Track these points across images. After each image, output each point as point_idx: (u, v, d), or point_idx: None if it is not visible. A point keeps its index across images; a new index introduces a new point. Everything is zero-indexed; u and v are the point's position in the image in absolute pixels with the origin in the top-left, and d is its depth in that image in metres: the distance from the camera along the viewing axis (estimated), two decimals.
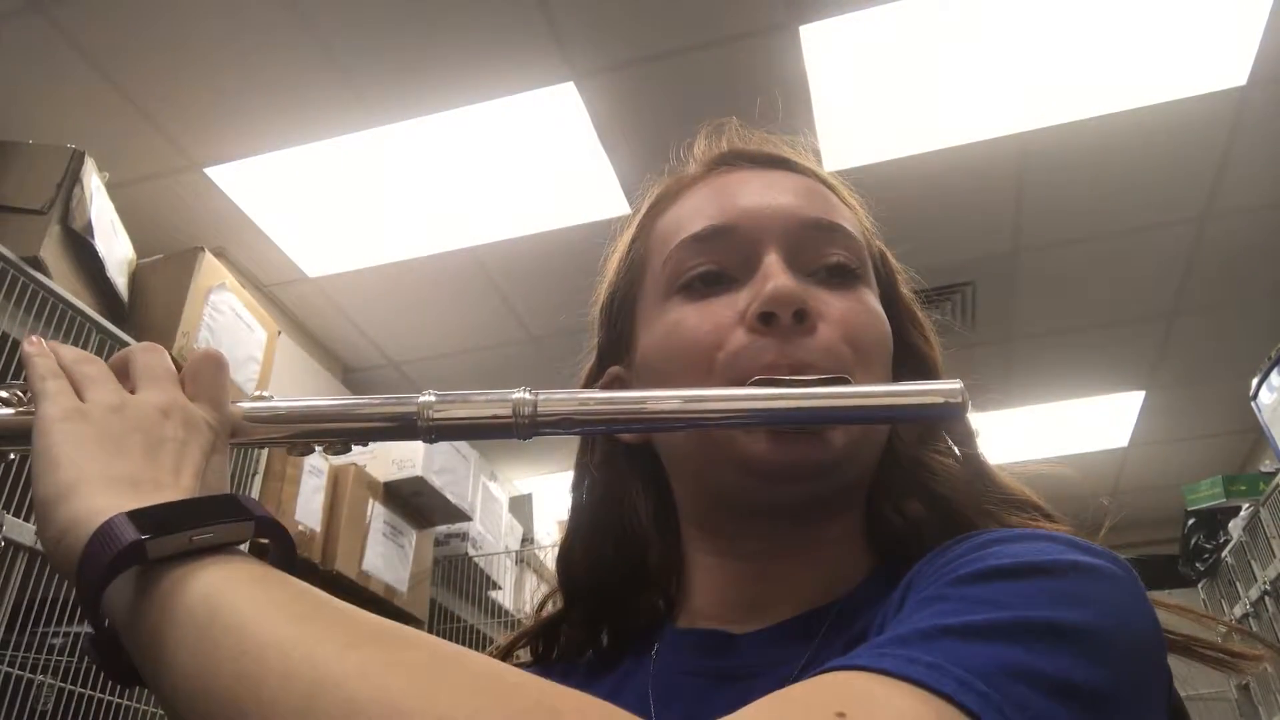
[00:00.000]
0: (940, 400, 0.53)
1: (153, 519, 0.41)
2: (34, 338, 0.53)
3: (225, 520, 0.43)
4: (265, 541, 0.45)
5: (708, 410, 0.53)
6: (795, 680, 0.52)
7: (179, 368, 0.54)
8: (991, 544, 0.47)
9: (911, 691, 0.35)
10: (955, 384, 0.53)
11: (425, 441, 0.53)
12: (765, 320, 0.56)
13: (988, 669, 0.36)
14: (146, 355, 0.53)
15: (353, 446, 0.55)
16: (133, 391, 0.51)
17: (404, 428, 0.52)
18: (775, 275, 0.57)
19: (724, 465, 0.57)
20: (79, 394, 0.50)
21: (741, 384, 0.55)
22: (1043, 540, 0.47)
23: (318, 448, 0.55)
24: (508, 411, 0.52)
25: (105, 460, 0.46)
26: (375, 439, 0.54)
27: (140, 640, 0.41)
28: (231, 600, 0.39)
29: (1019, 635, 0.38)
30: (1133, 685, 0.40)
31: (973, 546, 0.48)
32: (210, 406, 0.52)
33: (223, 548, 0.42)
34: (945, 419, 0.57)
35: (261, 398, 0.55)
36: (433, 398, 0.52)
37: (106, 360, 0.54)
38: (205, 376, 0.53)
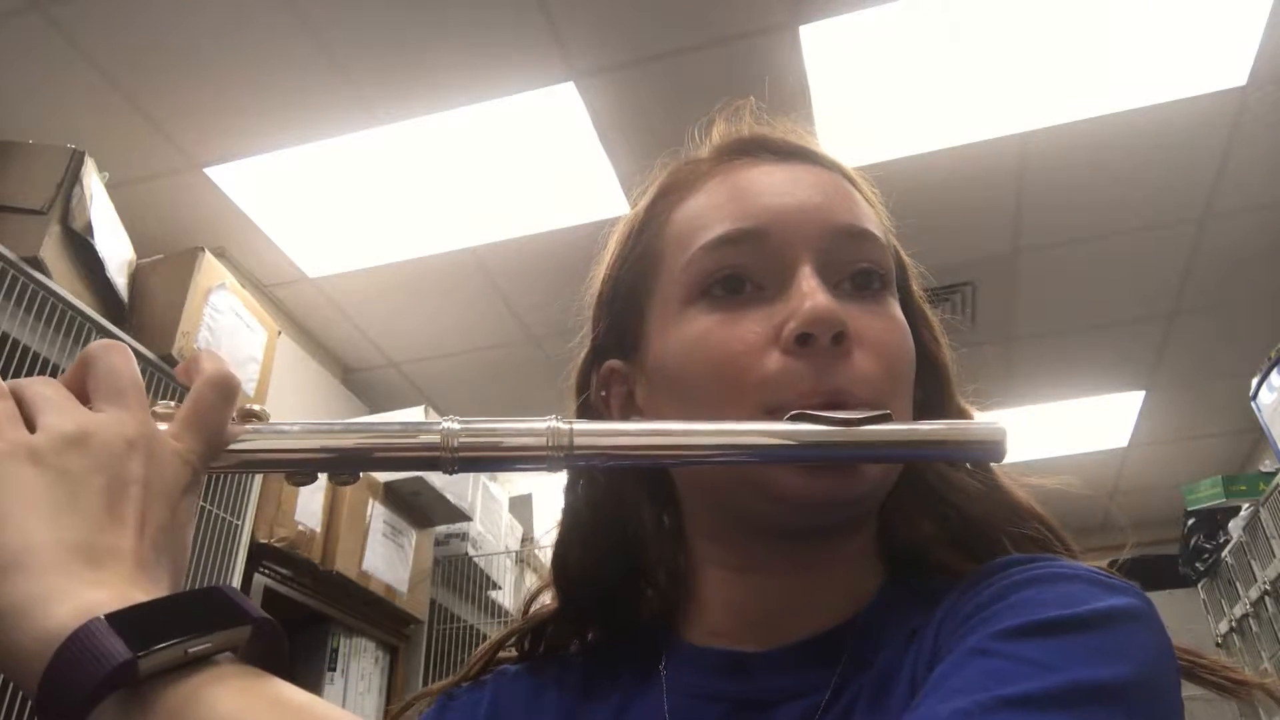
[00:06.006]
0: (982, 439, 0.53)
1: (138, 626, 0.35)
2: None
3: (221, 627, 0.38)
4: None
5: (753, 445, 0.51)
6: (821, 713, 0.52)
7: (185, 368, 0.48)
8: (1022, 586, 0.48)
9: None
10: (995, 423, 0.53)
11: (447, 473, 0.48)
12: (802, 341, 0.53)
13: None
14: (109, 359, 0.45)
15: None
16: (91, 407, 0.43)
17: (425, 459, 0.48)
18: (813, 293, 0.54)
19: (749, 491, 0.54)
20: (30, 421, 0.42)
21: (777, 410, 0.52)
22: (1074, 582, 0.47)
23: (321, 475, 0.50)
24: (541, 442, 0.49)
25: (56, 518, 0.39)
26: (392, 469, 0.50)
27: None
28: None
29: (1070, 701, 0.40)
30: None
31: (1002, 590, 0.48)
32: (201, 438, 0.45)
33: (214, 656, 0.37)
34: (983, 458, 0.57)
35: (255, 415, 0.49)
36: (457, 425, 0.48)
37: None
38: (206, 404, 0.46)
